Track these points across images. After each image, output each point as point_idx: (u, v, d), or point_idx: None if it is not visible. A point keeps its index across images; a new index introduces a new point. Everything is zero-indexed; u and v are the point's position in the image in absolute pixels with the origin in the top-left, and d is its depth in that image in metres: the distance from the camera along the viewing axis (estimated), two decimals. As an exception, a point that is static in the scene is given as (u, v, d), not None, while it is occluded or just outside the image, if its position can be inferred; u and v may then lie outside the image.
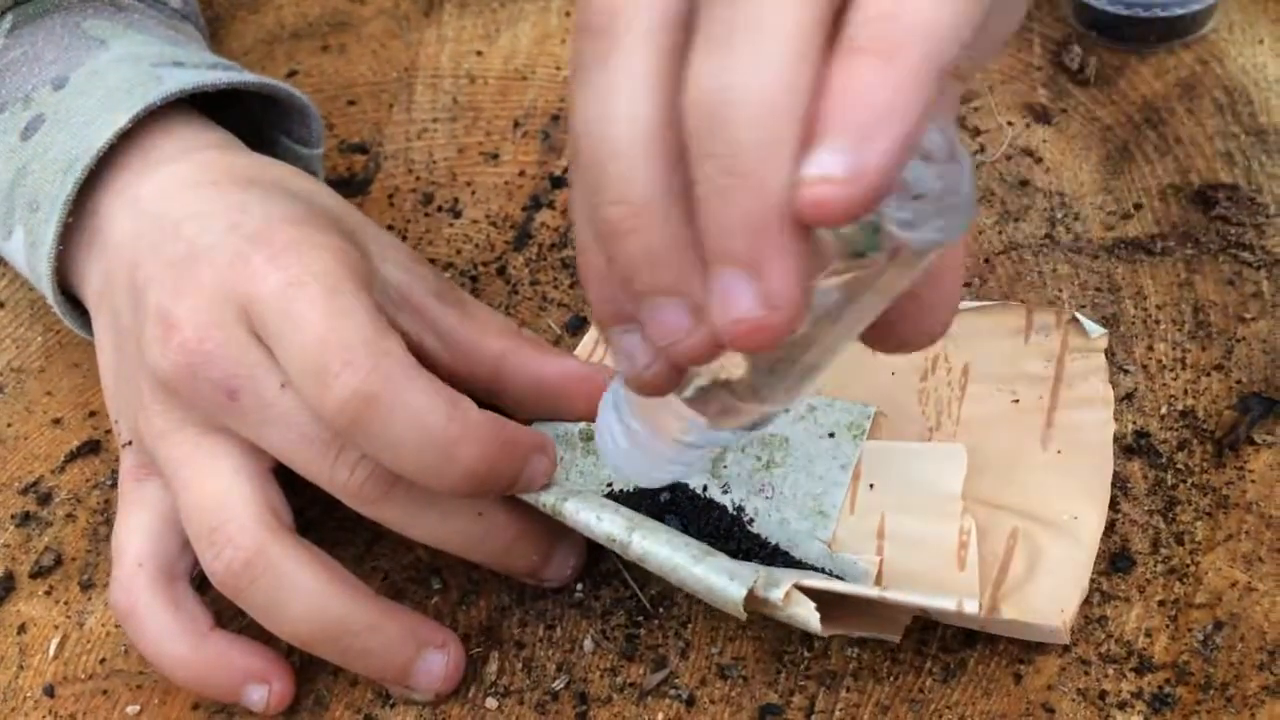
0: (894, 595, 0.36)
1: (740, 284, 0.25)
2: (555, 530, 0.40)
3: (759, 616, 0.40)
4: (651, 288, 0.28)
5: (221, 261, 0.39)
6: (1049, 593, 0.39)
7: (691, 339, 0.27)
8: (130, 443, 0.42)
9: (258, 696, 0.39)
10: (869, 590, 0.37)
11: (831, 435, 0.42)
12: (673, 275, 0.27)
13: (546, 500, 0.39)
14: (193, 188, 0.42)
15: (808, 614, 0.35)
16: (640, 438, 0.34)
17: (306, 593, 0.38)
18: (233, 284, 0.39)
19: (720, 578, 0.36)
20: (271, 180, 0.43)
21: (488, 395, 0.43)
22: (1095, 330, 0.44)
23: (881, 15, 0.24)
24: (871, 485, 0.41)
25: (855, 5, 0.25)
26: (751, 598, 0.36)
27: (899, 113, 0.24)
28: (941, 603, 0.36)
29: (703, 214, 0.26)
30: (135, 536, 0.40)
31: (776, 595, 0.35)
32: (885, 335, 0.31)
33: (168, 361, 0.39)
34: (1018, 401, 0.43)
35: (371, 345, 0.36)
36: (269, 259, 0.38)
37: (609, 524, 0.38)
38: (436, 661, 0.39)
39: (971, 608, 0.36)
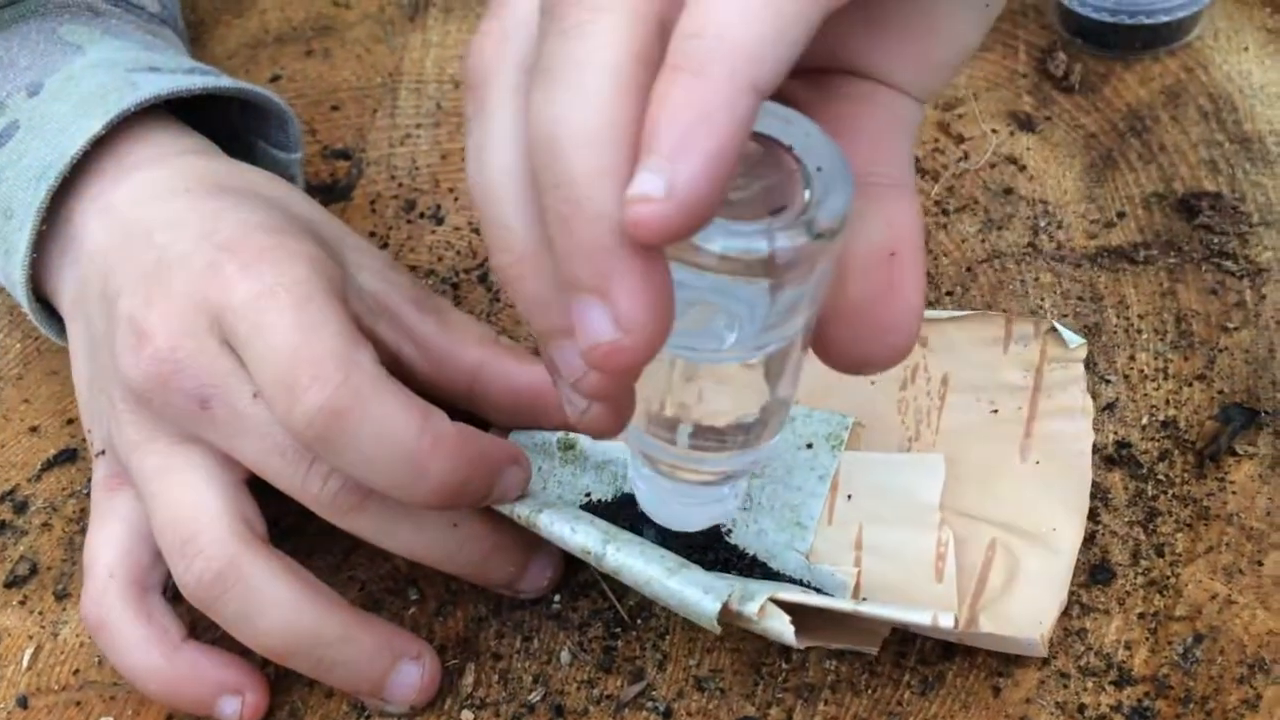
0: (870, 609, 0.36)
1: (593, 310, 0.26)
2: (532, 542, 0.40)
3: (736, 628, 0.40)
4: (547, 330, 0.29)
5: (194, 270, 0.39)
6: (1027, 605, 0.38)
7: (589, 375, 0.28)
8: (103, 452, 0.42)
9: (231, 709, 0.39)
10: (845, 604, 0.36)
11: (809, 446, 0.42)
12: (561, 317, 0.28)
13: (521, 512, 0.38)
14: (166, 194, 0.42)
15: (783, 627, 0.35)
16: (654, 482, 0.35)
17: (279, 604, 0.37)
18: (204, 293, 0.38)
19: (694, 591, 0.36)
20: (246, 187, 0.43)
21: (465, 404, 0.43)
22: (1074, 340, 0.44)
23: (690, 33, 0.25)
24: (849, 496, 0.41)
25: (676, 26, 0.25)
26: (726, 611, 0.35)
27: (709, 127, 0.24)
28: (917, 617, 0.36)
29: (553, 246, 0.26)
30: (107, 548, 0.40)
31: (752, 609, 0.35)
32: (847, 353, 0.31)
33: (139, 371, 0.39)
34: (996, 412, 0.42)
35: (341, 358, 0.36)
36: (241, 268, 0.38)
37: (584, 536, 0.37)
38: (411, 673, 0.39)
39: (947, 622, 0.36)
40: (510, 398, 0.43)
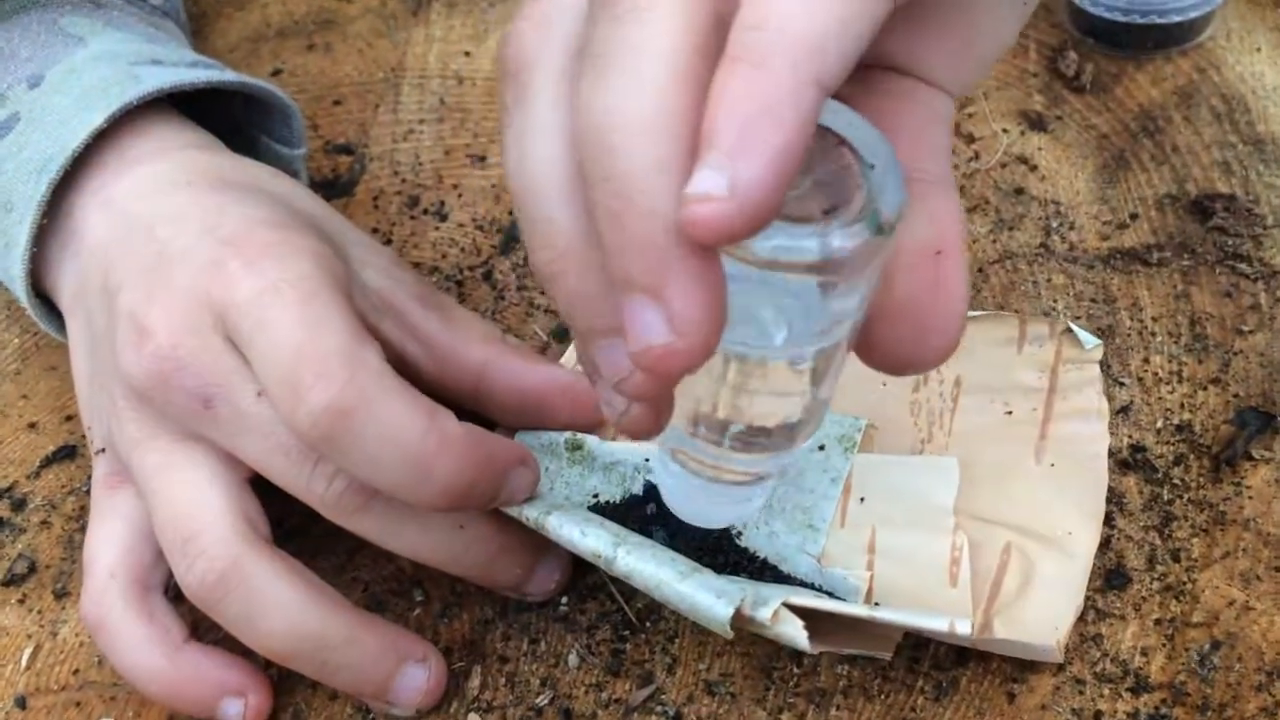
0: (884, 615, 0.36)
1: (645, 310, 0.25)
2: (539, 544, 0.39)
3: (747, 632, 0.39)
4: (590, 329, 0.28)
5: (196, 266, 0.38)
6: (1043, 610, 0.38)
7: (635, 376, 0.27)
8: (103, 450, 0.41)
9: (234, 711, 0.39)
10: (859, 609, 0.36)
11: (822, 448, 0.42)
12: (606, 316, 0.27)
13: (530, 514, 0.38)
14: (168, 188, 0.41)
15: (796, 633, 0.35)
16: (683, 479, 0.34)
17: (282, 606, 0.37)
18: (207, 289, 0.38)
19: (706, 596, 0.35)
20: (249, 182, 0.42)
21: (471, 404, 0.42)
22: (1090, 341, 0.43)
23: (752, 24, 0.24)
24: (862, 499, 0.41)
25: (736, 18, 0.24)
26: (739, 616, 0.35)
27: (773, 123, 0.23)
28: (934, 623, 0.35)
29: (603, 242, 0.25)
30: (107, 546, 0.40)
31: (764, 614, 0.35)
32: (892, 354, 0.30)
33: (140, 368, 0.38)
34: (1011, 413, 0.42)
35: (347, 356, 0.35)
36: (245, 264, 0.37)
37: (594, 539, 0.37)
38: (417, 676, 0.38)
39: (964, 629, 0.35)
40: (516, 397, 0.42)
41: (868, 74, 0.30)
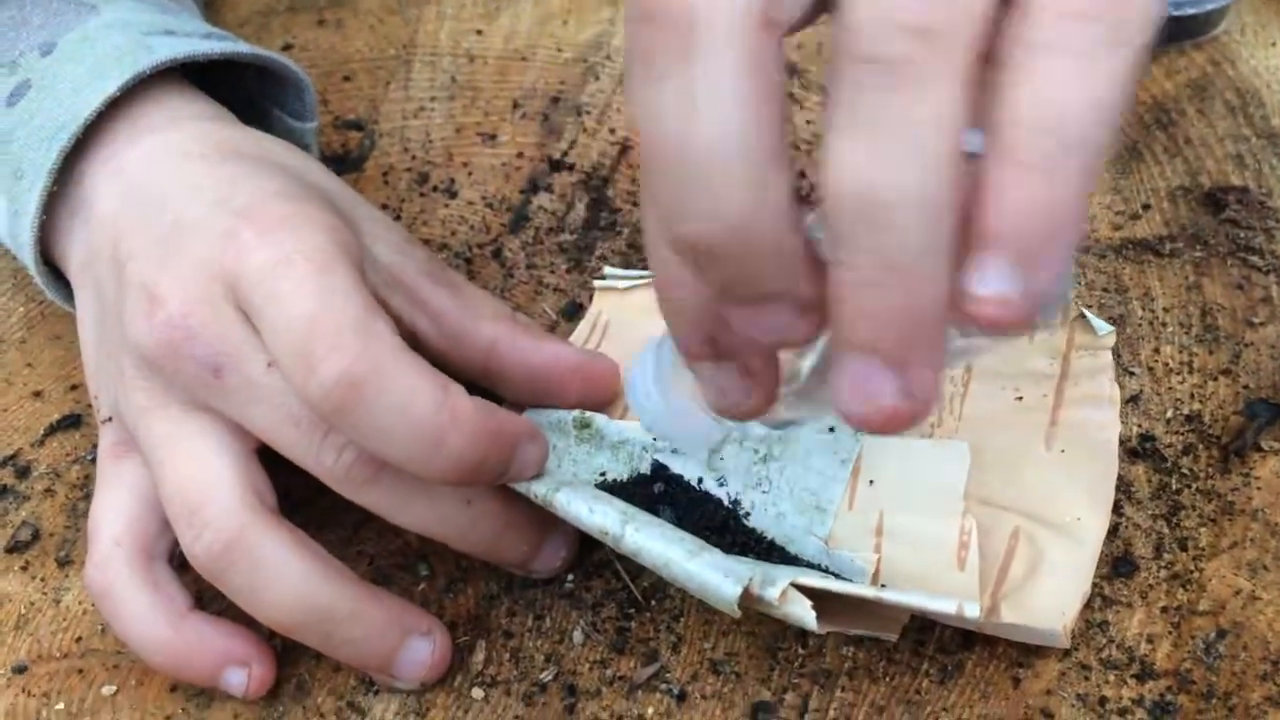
0: (892, 596, 0.36)
1: (881, 375, 0.26)
2: (546, 521, 0.39)
3: (753, 612, 0.39)
4: (753, 295, 0.27)
5: (209, 236, 0.38)
6: (1050, 595, 0.38)
7: (798, 332, 0.27)
8: (110, 419, 0.41)
9: (237, 680, 0.38)
10: (867, 590, 0.36)
11: (831, 430, 0.42)
12: (777, 282, 0.27)
13: (538, 490, 0.38)
14: (180, 159, 0.41)
15: (804, 612, 0.35)
16: (676, 408, 0.34)
17: (288, 577, 0.37)
18: (219, 260, 0.38)
19: (714, 575, 0.35)
20: (262, 154, 0.42)
21: (480, 380, 0.42)
22: (1103, 328, 0.43)
23: (1043, 128, 0.24)
24: (871, 481, 0.40)
25: (1006, 101, 0.24)
26: (747, 596, 0.35)
27: (1065, 230, 0.24)
28: (942, 605, 0.35)
29: (853, 303, 0.25)
30: (113, 515, 0.39)
31: (772, 594, 0.35)
32: None
33: (151, 337, 0.38)
34: (1021, 399, 0.42)
35: (360, 328, 0.35)
36: (258, 235, 0.37)
37: (601, 517, 0.37)
38: (422, 650, 0.38)
39: (973, 612, 0.35)
40: (525, 374, 0.42)
41: None
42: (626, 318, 0.46)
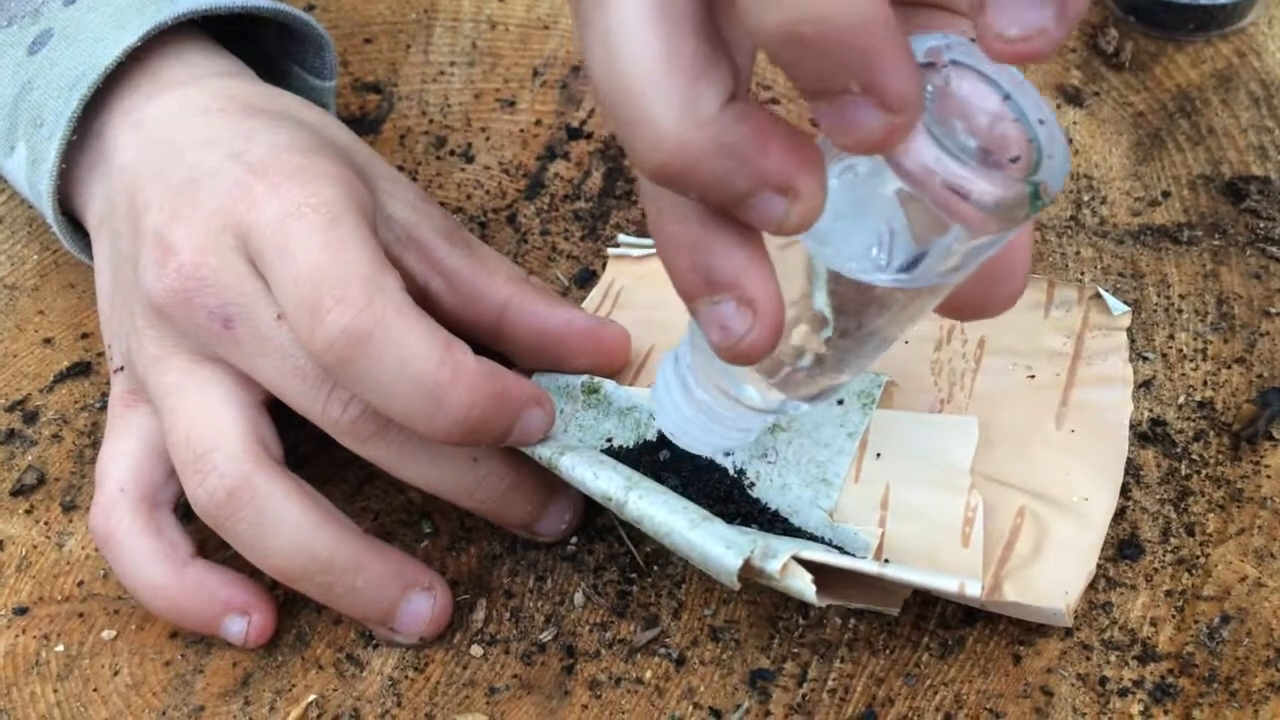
0: (894, 572, 0.35)
1: (855, 106, 0.25)
2: (551, 483, 0.39)
3: (754, 583, 0.39)
4: (733, 201, 0.27)
5: (222, 188, 0.38)
6: (1054, 575, 0.38)
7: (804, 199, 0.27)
8: (122, 368, 0.41)
9: (237, 629, 0.38)
10: (869, 566, 0.36)
11: (840, 402, 0.41)
12: (742, 181, 0.27)
13: (543, 453, 0.38)
14: (200, 113, 0.41)
15: (804, 586, 0.34)
16: (704, 406, 0.34)
17: (291, 527, 0.37)
18: (232, 211, 0.38)
19: (716, 545, 0.35)
20: (279, 110, 0.42)
21: (490, 342, 0.42)
22: (1118, 308, 0.43)
23: None
24: (878, 455, 0.40)
25: None
26: (747, 567, 0.35)
27: None
28: (944, 583, 0.35)
29: (787, 59, 0.25)
30: (119, 462, 0.40)
31: (773, 566, 0.35)
32: (964, 304, 0.31)
33: (163, 286, 0.38)
34: (1034, 377, 0.42)
35: (367, 281, 0.35)
36: (270, 188, 0.37)
37: (605, 482, 0.37)
38: (422, 604, 0.38)
39: (974, 590, 0.35)
40: (536, 337, 0.42)
41: (913, 11, 0.30)
42: (639, 286, 0.46)
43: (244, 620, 0.38)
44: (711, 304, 0.29)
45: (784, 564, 0.35)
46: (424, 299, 0.42)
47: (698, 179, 0.26)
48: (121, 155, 0.42)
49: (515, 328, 0.42)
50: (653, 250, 0.47)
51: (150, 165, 0.41)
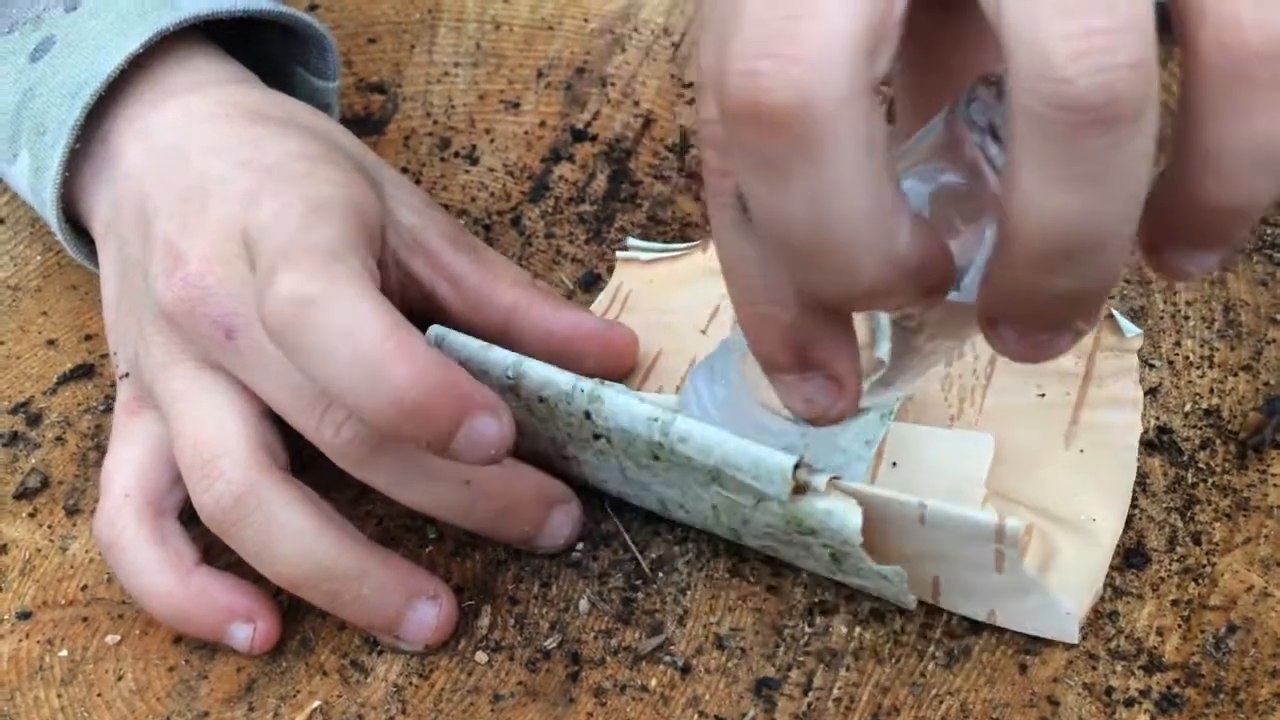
0: (936, 504, 0.35)
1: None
2: (550, 499, 0.39)
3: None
4: (886, 307, 0.30)
5: (230, 196, 0.38)
6: (1059, 593, 0.37)
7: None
8: (127, 374, 0.41)
9: (242, 635, 0.38)
10: (910, 498, 0.35)
11: (859, 411, 0.41)
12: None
13: (584, 386, 0.37)
14: (205, 120, 0.41)
15: (848, 508, 0.35)
16: (747, 414, 0.35)
17: (296, 534, 0.37)
18: (239, 219, 0.38)
19: (767, 450, 0.35)
20: (286, 116, 0.42)
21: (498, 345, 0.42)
22: (1131, 330, 0.42)
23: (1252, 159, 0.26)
24: (894, 464, 0.40)
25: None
26: (797, 477, 0.35)
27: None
28: (983, 517, 0.35)
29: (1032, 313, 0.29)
30: (125, 468, 0.39)
31: (820, 481, 0.35)
32: None
33: (171, 294, 0.38)
34: (1044, 396, 0.42)
35: (326, 254, 0.35)
36: (272, 194, 0.38)
37: (650, 407, 0.36)
38: (427, 612, 0.38)
39: (1015, 526, 0.34)
40: (544, 341, 0.42)
41: None
42: (648, 290, 0.46)
43: (249, 627, 0.38)
44: (801, 380, 0.30)
45: (830, 479, 0.35)
46: (432, 305, 0.42)
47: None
48: (127, 162, 0.42)
49: (522, 331, 0.42)
50: (662, 255, 0.47)
51: (157, 172, 0.41)
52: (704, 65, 0.28)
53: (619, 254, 0.47)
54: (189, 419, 0.38)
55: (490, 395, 0.36)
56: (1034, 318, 0.28)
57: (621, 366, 0.42)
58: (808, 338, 0.30)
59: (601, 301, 0.46)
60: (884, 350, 0.32)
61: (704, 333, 0.44)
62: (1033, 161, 0.25)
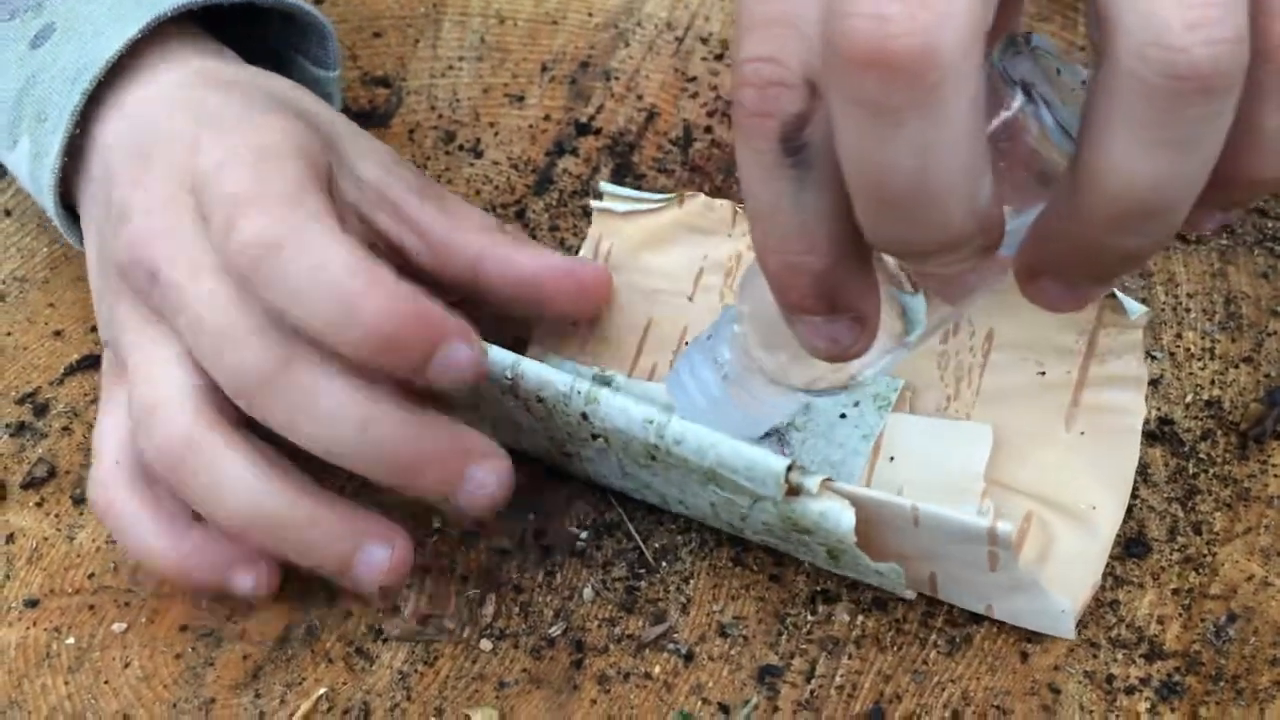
0: (928, 507, 0.35)
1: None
2: (468, 452, 0.37)
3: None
4: (951, 260, 0.29)
5: (175, 148, 0.39)
6: (1058, 584, 0.38)
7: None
8: (108, 341, 0.42)
9: (246, 583, 0.38)
10: (903, 500, 0.35)
11: (856, 404, 0.41)
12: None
13: (580, 387, 0.37)
14: (176, 88, 0.42)
15: (842, 509, 0.35)
16: (748, 389, 0.35)
17: (240, 482, 0.37)
18: (184, 166, 0.39)
19: (760, 453, 0.35)
20: (257, 85, 0.42)
21: (470, 294, 0.42)
22: (1136, 310, 0.40)
23: None
24: (892, 458, 0.40)
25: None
26: (790, 479, 0.35)
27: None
28: (974, 520, 0.35)
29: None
30: (113, 435, 0.40)
31: (813, 483, 0.35)
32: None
33: (119, 249, 0.39)
34: (1044, 374, 0.41)
35: (288, 197, 0.36)
36: (216, 141, 0.38)
37: (646, 408, 0.37)
38: (378, 554, 0.37)
39: (1006, 528, 0.35)
40: (514, 285, 0.42)
41: None
42: (630, 248, 0.45)
43: (251, 575, 0.38)
44: (828, 321, 0.31)
45: (822, 480, 0.35)
46: (400, 258, 0.42)
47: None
48: (103, 138, 0.42)
49: (490, 276, 0.42)
50: (638, 206, 0.45)
51: (122, 139, 0.41)
52: (773, 8, 0.28)
53: (593, 203, 0.46)
54: (138, 372, 0.39)
55: (460, 321, 0.36)
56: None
57: (595, 304, 0.42)
58: (838, 282, 0.30)
59: (583, 256, 0.46)
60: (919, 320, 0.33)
61: (691, 299, 0.44)
62: (1126, 125, 0.25)
